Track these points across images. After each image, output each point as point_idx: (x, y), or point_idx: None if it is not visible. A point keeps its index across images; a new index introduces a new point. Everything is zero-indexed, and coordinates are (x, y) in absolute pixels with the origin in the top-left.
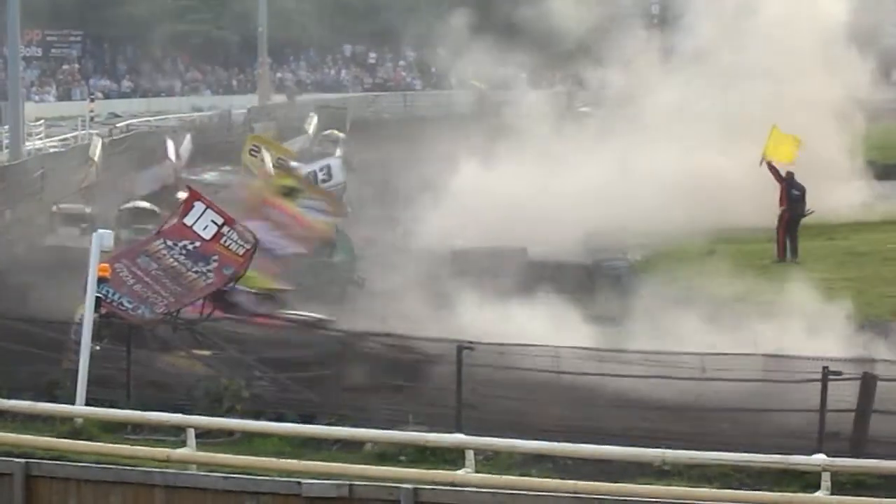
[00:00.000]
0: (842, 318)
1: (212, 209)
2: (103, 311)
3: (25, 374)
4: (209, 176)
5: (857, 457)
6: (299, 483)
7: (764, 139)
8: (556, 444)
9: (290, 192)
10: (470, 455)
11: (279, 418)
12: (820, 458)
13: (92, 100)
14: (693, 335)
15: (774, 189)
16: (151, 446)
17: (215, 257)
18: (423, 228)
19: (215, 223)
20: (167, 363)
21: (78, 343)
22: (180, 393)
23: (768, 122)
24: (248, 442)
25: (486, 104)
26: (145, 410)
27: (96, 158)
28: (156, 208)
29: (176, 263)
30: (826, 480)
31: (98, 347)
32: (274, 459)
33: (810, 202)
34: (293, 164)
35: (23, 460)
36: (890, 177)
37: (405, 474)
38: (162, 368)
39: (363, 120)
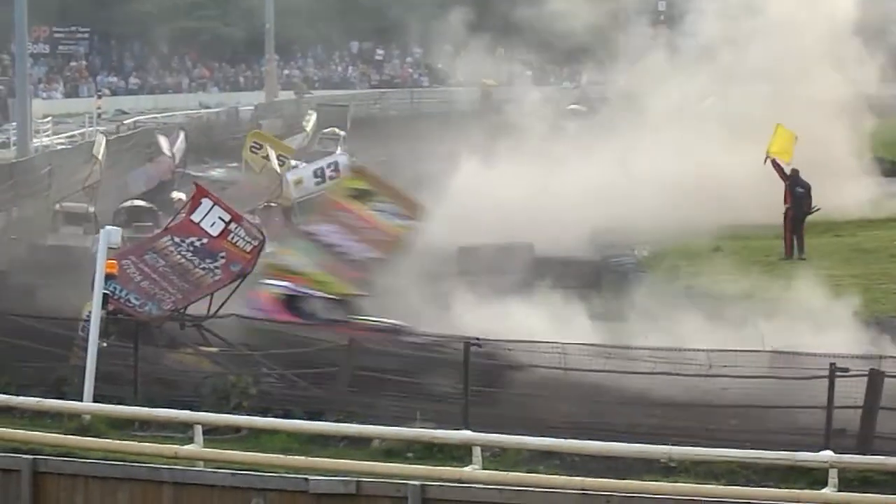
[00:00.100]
0: (849, 315)
1: (219, 206)
2: (111, 307)
3: (33, 371)
4: (216, 172)
5: (865, 453)
6: (307, 480)
7: (769, 137)
8: (563, 440)
9: (362, 195)
10: (477, 452)
11: (286, 415)
12: (827, 454)
13: (99, 96)
14: (700, 332)
15: (781, 186)
16: (159, 443)
17: (223, 254)
18: (428, 225)
19: (222, 220)
20: (174, 360)
21: (85, 340)
22: (188, 389)
23: (775, 119)
24: (255, 438)
25: (492, 101)
26: (153, 407)
27: (100, 156)
28: (153, 206)
29: (183, 260)
30: (833, 477)
31: (105, 344)
32: (281, 456)
33: (817, 199)
34: (294, 162)
35: (30, 457)
36: None
37: (412, 471)
38: (169, 365)
39: (370, 117)
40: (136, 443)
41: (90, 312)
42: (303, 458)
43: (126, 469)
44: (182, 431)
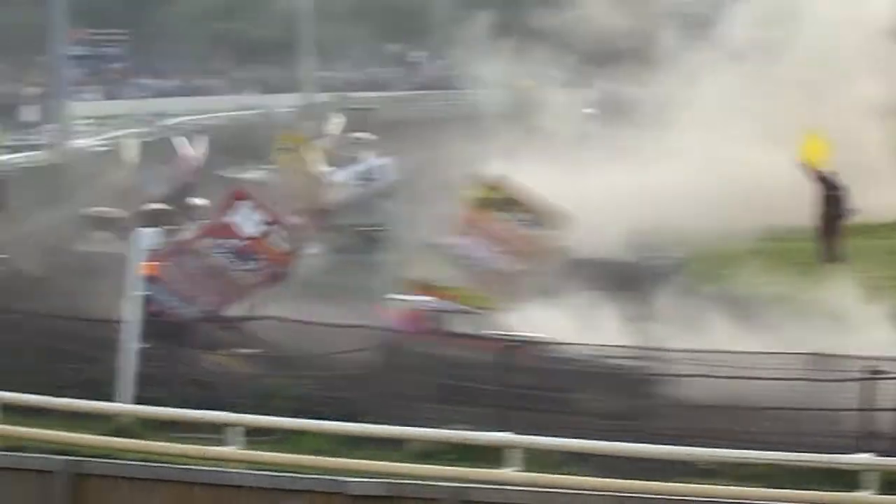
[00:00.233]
0: (885, 317)
1: (257, 208)
2: (149, 309)
3: (71, 373)
4: (253, 174)
5: None
6: (343, 481)
7: (803, 139)
8: (600, 442)
9: (498, 205)
10: (514, 453)
11: (323, 417)
12: (864, 457)
13: (138, 99)
14: (736, 333)
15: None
16: (196, 445)
17: (261, 256)
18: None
19: (260, 222)
20: (212, 362)
21: (123, 341)
22: (225, 391)
23: (811, 121)
24: (291, 440)
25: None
26: (190, 409)
27: (131, 160)
28: (175, 210)
29: (221, 262)
30: (870, 480)
31: (143, 346)
32: (318, 458)
33: (854, 202)
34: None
35: (68, 458)
36: None
37: (449, 473)
38: (206, 367)
39: (404, 120)
40: (173, 444)
41: (128, 314)
42: (339, 459)
43: (163, 471)
44: (219, 433)
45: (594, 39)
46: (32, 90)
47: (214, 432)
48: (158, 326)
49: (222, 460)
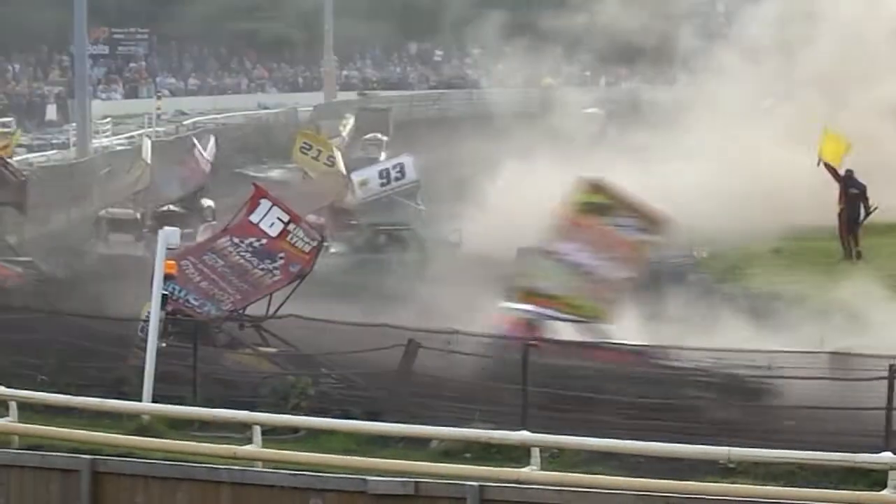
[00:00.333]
0: None
1: (278, 206)
2: (170, 308)
3: (93, 371)
4: (274, 173)
5: None
6: (365, 480)
7: (823, 138)
8: (621, 441)
9: (600, 210)
10: (535, 452)
11: (345, 416)
12: (887, 455)
13: (159, 97)
14: (758, 332)
15: (837, 187)
16: (218, 443)
17: (282, 254)
18: (482, 228)
19: (281, 220)
20: (233, 360)
21: (145, 340)
22: (246, 390)
23: (833, 121)
24: (313, 439)
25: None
26: (212, 407)
27: (147, 160)
28: (187, 211)
29: (242, 261)
30: (893, 479)
31: (164, 344)
32: (340, 456)
33: (874, 200)
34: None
35: (90, 457)
36: None
37: (471, 472)
38: (228, 365)
39: (425, 118)
40: (195, 443)
41: (149, 313)
42: (361, 458)
43: (185, 469)
44: (241, 432)
45: (613, 39)
46: (54, 89)
47: (237, 431)
48: (180, 324)
49: (245, 459)
